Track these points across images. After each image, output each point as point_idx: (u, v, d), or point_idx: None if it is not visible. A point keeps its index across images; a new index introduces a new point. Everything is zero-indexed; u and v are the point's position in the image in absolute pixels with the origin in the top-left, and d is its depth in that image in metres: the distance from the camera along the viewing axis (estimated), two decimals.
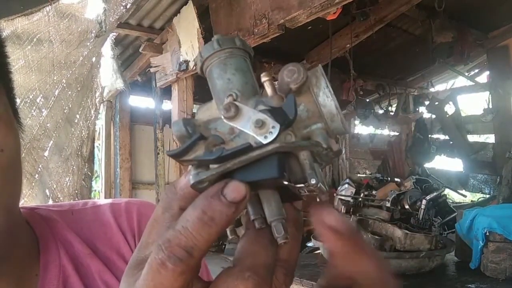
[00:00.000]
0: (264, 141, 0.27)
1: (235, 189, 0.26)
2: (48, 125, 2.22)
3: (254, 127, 0.27)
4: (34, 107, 2.13)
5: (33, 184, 2.18)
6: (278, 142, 0.27)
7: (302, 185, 0.28)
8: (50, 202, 2.30)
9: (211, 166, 0.28)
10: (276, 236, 0.28)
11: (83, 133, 2.50)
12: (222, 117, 0.28)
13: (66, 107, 2.34)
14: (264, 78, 0.30)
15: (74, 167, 2.42)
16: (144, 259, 0.29)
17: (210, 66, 0.32)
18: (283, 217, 0.29)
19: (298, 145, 0.28)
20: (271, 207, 0.29)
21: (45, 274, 0.56)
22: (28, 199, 2.22)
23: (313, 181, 0.28)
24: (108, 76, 3.98)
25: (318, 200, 0.31)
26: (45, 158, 2.26)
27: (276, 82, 0.31)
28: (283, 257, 0.31)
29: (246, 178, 0.27)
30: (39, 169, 2.22)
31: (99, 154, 5.64)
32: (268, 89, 0.29)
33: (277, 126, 0.27)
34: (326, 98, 0.29)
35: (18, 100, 2.05)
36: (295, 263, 0.32)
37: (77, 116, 2.45)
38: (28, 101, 2.09)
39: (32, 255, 0.58)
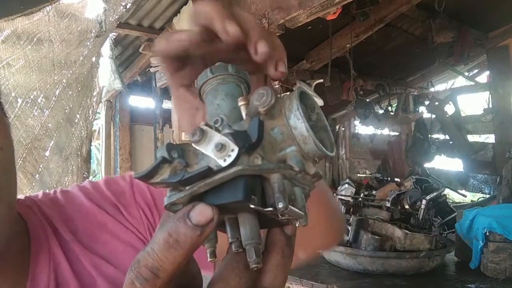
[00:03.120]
0: (223, 164, 0.27)
1: (200, 212, 0.26)
2: (49, 125, 2.22)
3: (215, 150, 0.27)
4: (35, 107, 2.13)
5: (34, 184, 2.18)
6: (241, 165, 0.27)
7: (271, 209, 0.28)
8: None
9: (187, 188, 0.28)
10: (248, 261, 0.28)
11: (83, 133, 2.50)
12: (190, 141, 0.28)
13: (67, 107, 2.35)
14: (240, 103, 0.30)
15: (74, 167, 2.42)
16: None
17: (204, 93, 0.33)
18: (258, 241, 0.29)
19: (264, 168, 0.28)
20: (245, 231, 0.29)
21: (36, 261, 0.57)
22: None
23: (280, 205, 0.27)
24: (107, 76, 3.98)
25: (297, 225, 0.30)
26: (46, 158, 2.26)
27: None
28: (265, 285, 0.30)
29: (214, 201, 0.27)
30: (40, 169, 2.22)
31: (98, 154, 5.63)
32: (243, 113, 0.30)
33: (236, 149, 0.27)
34: (297, 120, 0.29)
35: (19, 100, 2.06)
36: None
37: (77, 115, 2.45)
38: (30, 101, 2.10)
39: (23, 245, 0.59)
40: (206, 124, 0.29)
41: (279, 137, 0.29)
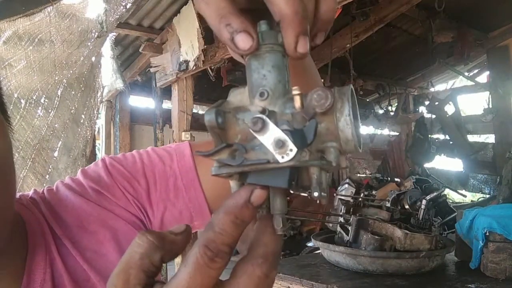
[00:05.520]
0: (281, 160, 0.31)
1: (258, 196, 0.32)
2: (56, 125, 2.23)
3: (274, 146, 0.31)
4: (39, 108, 2.13)
5: (44, 184, 2.19)
6: (293, 161, 0.30)
7: (306, 194, 0.32)
8: None
9: (237, 165, 0.33)
10: (275, 228, 0.33)
11: (87, 133, 2.51)
12: (250, 129, 0.32)
13: (73, 108, 2.35)
14: (295, 92, 0.32)
15: (80, 168, 2.43)
16: None
17: (250, 56, 0.34)
18: (285, 212, 0.33)
19: (310, 164, 0.31)
20: (276, 203, 0.33)
21: (32, 256, 0.59)
22: None
23: (315, 194, 0.31)
24: (108, 76, 3.98)
25: (317, 201, 0.35)
26: (54, 158, 2.27)
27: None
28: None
29: (258, 181, 0.32)
30: (50, 170, 2.23)
31: (98, 154, 5.64)
32: (296, 104, 0.32)
33: (295, 150, 0.30)
34: (346, 125, 0.31)
35: (22, 101, 2.06)
36: None
37: (83, 116, 2.46)
38: (33, 102, 2.10)
39: (21, 240, 0.60)
40: (264, 112, 0.32)
41: (323, 131, 0.32)
